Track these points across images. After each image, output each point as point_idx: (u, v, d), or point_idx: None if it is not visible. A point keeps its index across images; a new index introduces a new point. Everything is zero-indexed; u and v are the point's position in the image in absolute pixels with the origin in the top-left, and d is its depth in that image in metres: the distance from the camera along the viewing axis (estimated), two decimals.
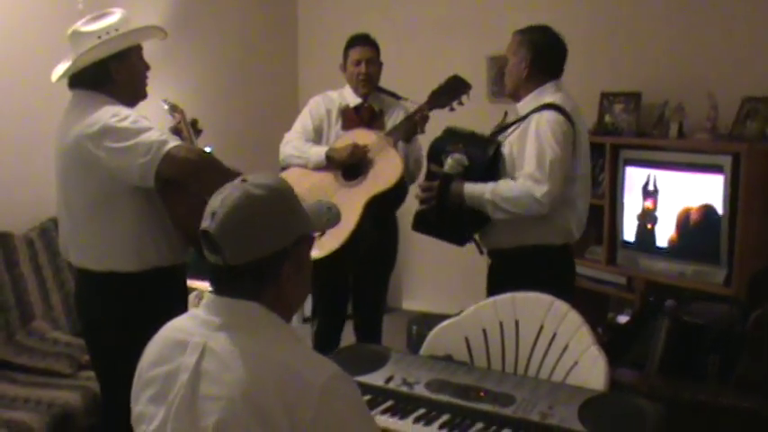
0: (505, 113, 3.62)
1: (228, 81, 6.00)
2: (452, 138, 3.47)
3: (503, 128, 3.54)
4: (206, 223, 1.70)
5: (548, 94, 3.42)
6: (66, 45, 2.96)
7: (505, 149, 3.40)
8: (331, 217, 1.89)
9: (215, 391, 1.65)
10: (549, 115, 3.30)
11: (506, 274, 3.46)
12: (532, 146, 3.28)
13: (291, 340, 1.76)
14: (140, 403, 1.79)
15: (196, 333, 1.73)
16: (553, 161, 3.25)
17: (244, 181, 1.74)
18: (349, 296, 4.46)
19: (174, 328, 1.82)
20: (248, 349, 1.66)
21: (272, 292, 1.73)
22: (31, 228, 4.26)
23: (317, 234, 1.91)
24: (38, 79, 4.16)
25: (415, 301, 6.35)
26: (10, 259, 4.14)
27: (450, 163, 3.33)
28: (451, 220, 3.44)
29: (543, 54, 3.45)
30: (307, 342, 3.98)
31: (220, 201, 1.70)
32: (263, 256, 1.70)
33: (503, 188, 3.29)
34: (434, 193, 3.38)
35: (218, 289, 1.76)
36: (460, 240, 3.62)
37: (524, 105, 3.46)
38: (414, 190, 3.68)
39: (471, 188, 3.33)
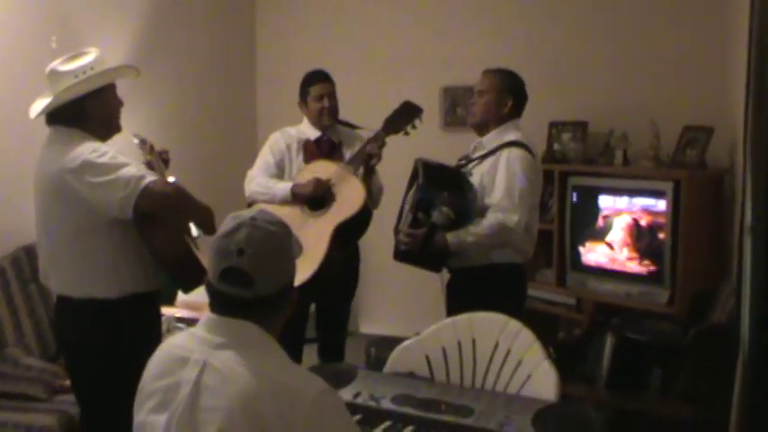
0: (474, 147, 3.86)
1: (191, 115, 6.08)
2: (433, 181, 3.66)
3: (470, 160, 3.82)
4: (232, 260, 1.84)
5: (510, 132, 3.75)
6: (40, 82, 3.09)
7: (475, 179, 3.71)
8: (299, 245, 2.10)
9: (215, 403, 1.81)
10: (517, 152, 3.65)
11: (468, 288, 3.74)
12: (503, 178, 3.62)
13: (284, 358, 1.94)
14: (142, 414, 1.94)
15: (196, 350, 1.89)
16: (522, 192, 3.61)
17: (253, 219, 1.89)
18: (307, 322, 4.55)
19: (175, 344, 1.97)
20: (247, 365, 1.83)
21: (281, 316, 1.97)
22: (3, 256, 4.29)
23: None
24: (9, 114, 4.28)
25: (371, 325, 6.47)
26: None
27: (437, 216, 3.57)
28: (431, 256, 3.71)
29: (520, 99, 3.83)
30: None
31: (244, 239, 1.84)
32: (285, 284, 1.93)
33: (480, 228, 3.59)
34: (419, 239, 3.61)
35: (226, 313, 1.91)
36: (437, 269, 3.89)
37: (490, 140, 3.77)
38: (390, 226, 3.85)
39: (453, 237, 3.59)
